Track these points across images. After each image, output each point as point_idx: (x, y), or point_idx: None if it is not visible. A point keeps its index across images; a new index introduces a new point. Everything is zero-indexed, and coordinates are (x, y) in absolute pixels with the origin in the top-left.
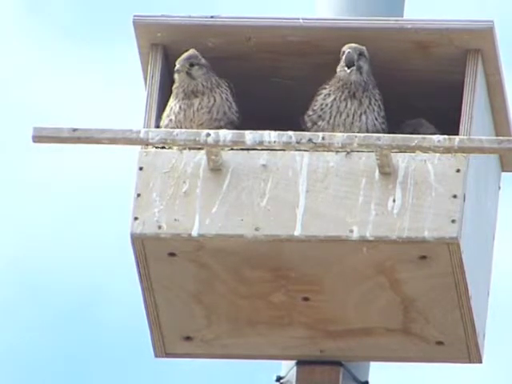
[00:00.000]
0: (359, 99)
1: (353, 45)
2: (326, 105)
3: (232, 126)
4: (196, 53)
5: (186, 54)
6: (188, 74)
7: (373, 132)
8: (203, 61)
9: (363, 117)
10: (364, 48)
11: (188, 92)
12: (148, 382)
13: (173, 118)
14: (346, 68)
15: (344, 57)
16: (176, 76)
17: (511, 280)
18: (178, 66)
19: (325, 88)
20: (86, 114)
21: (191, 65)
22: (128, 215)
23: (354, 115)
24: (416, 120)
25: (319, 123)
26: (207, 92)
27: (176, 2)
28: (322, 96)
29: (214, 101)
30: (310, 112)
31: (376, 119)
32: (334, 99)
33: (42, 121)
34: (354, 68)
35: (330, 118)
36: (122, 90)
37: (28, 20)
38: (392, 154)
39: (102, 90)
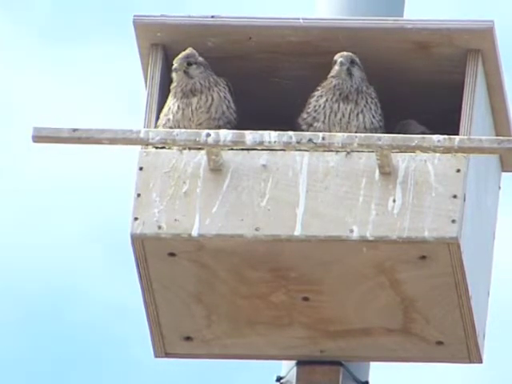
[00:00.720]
0: (354, 101)
1: (344, 53)
2: (319, 106)
3: (231, 124)
4: (193, 51)
5: (183, 53)
6: (186, 72)
7: (371, 129)
8: (201, 59)
9: (360, 116)
10: (355, 56)
11: (186, 91)
12: (148, 382)
13: (170, 117)
14: (336, 67)
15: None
16: (174, 75)
17: (511, 280)
18: (175, 64)
19: (317, 90)
20: (86, 114)
21: (189, 64)
22: (128, 215)
23: (350, 115)
24: (406, 121)
25: (315, 124)
26: (205, 91)
27: (176, 2)
28: (314, 98)
29: (212, 99)
30: (305, 115)
31: (373, 117)
32: (326, 100)
33: (41, 121)
34: (346, 66)
35: (325, 117)
36: (122, 90)
37: (16, 19)
38: (392, 154)
39: (101, 90)
